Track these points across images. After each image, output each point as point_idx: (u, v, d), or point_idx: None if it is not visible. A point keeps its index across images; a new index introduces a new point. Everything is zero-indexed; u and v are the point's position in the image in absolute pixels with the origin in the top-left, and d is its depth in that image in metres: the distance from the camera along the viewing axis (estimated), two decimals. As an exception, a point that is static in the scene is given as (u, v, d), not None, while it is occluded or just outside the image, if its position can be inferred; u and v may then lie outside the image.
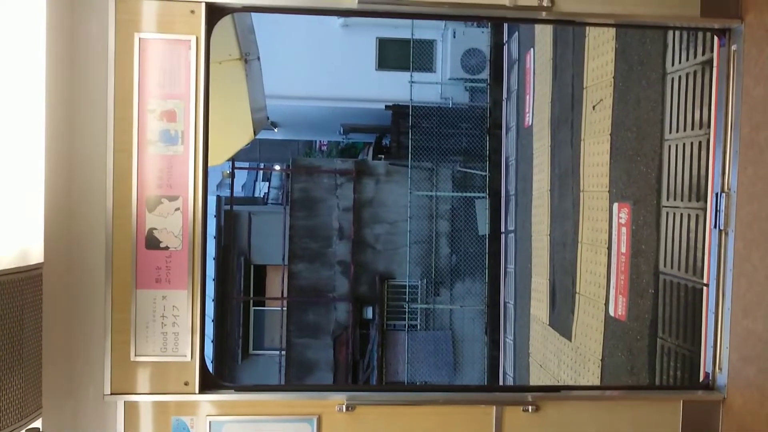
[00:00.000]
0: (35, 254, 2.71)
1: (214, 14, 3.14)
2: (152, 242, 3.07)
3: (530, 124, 10.66)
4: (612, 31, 6.82)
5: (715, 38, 3.51)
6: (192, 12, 3.07)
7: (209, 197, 14.19)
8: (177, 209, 3.07)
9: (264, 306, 15.33)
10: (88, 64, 3.00)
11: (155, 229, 3.07)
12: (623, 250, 6.42)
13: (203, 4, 3.07)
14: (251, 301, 15.15)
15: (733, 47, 3.37)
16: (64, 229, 2.94)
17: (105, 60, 3.00)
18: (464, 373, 13.67)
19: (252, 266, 14.77)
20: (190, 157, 3.07)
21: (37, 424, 2.64)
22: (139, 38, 3.03)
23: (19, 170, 2.68)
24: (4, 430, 2.42)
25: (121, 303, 3.04)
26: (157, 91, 3.05)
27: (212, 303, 13.84)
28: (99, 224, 3.01)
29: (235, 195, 15.25)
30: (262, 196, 19.39)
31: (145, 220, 3.05)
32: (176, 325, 3.08)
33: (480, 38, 14.07)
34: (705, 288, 3.62)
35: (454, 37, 14.25)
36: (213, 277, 13.83)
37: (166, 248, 3.07)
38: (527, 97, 10.96)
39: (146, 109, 3.04)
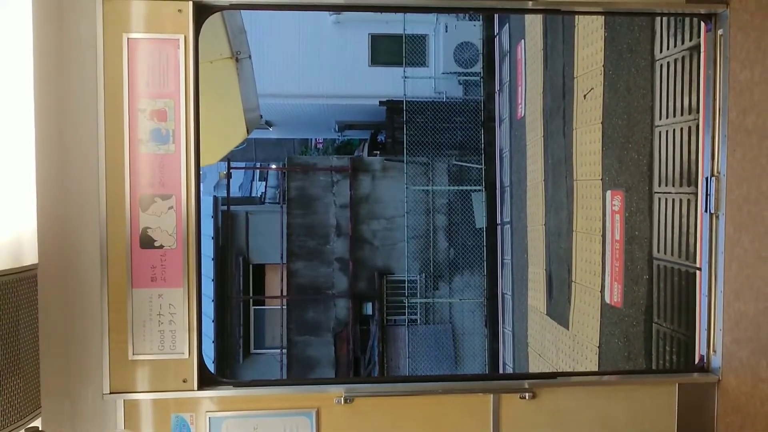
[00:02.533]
0: (29, 255, 2.73)
1: (202, 13, 3.16)
2: (146, 241, 3.08)
3: (523, 115, 10.68)
4: (601, 19, 6.84)
5: (702, 24, 3.53)
6: (179, 11, 3.08)
7: (206, 198, 14.27)
8: (170, 208, 3.09)
9: (264, 305, 15.35)
10: (76, 65, 3.01)
11: (149, 228, 3.08)
12: (617, 237, 6.45)
13: (190, 3, 3.09)
14: (251, 301, 15.17)
15: (720, 32, 3.39)
16: (58, 230, 2.95)
17: (94, 61, 3.01)
18: (465, 366, 13.71)
19: (251, 266, 14.78)
20: (181, 156, 3.09)
21: (37, 423, 2.66)
22: (128, 38, 3.04)
23: (10, 172, 2.70)
24: (4, 430, 2.44)
25: (118, 302, 3.06)
26: (147, 90, 3.06)
27: (212, 303, 13.86)
28: (93, 224, 3.03)
29: (232, 195, 15.24)
30: (259, 195, 19.40)
31: (139, 220, 3.07)
32: (173, 323, 3.10)
33: (472, 31, 14.07)
34: (698, 272, 3.65)
35: (446, 31, 14.25)
36: (212, 277, 13.84)
37: (161, 247, 3.09)
38: (519, 88, 10.97)
39: (136, 109, 3.06)
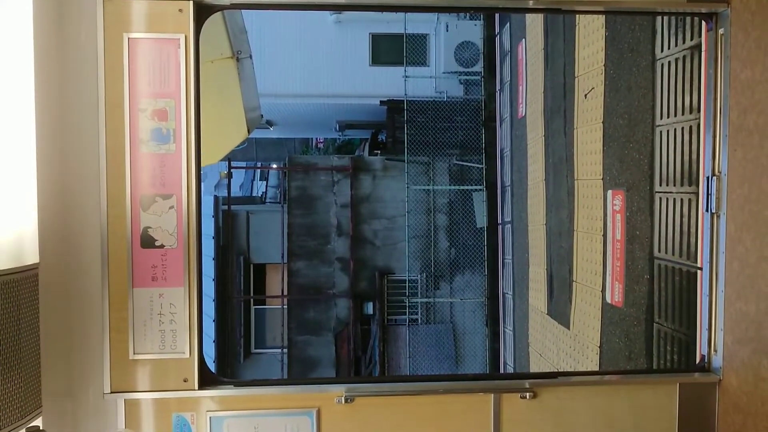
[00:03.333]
0: (30, 255, 2.73)
1: (203, 12, 3.16)
2: (147, 241, 3.09)
3: (524, 114, 10.68)
4: (602, 18, 6.84)
5: (703, 23, 3.53)
6: (180, 11, 3.08)
7: (207, 197, 14.27)
8: (171, 207, 3.09)
9: (264, 305, 15.36)
10: (77, 64, 3.01)
11: (150, 227, 3.08)
12: (618, 236, 6.45)
13: (191, 3, 3.09)
14: (251, 300, 15.17)
15: (720, 31, 3.39)
16: (59, 230, 2.96)
17: (94, 60, 3.01)
18: (466, 366, 13.71)
19: (251, 265, 14.79)
20: (182, 155, 3.09)
21: (38, 422, 2.67)
22: (128, 38, 3.04)
23: (11, 172, 2.70)
24: (5, 429, 2.45)
25: (118, 302, 3.06)
26: (148, 90, 3.06)
27: (213, 303, 13.86)
28: (94, 224, 3.03)
29: (232, 195, 15.25)
30: (259, 195, 19.39)
31: (140, 219, 3.07)
32: (174, 323, 3.10)
33: (473, 31, 14.08)
34: (699, 272, 3.65)
35: (447, 30, 14.26)
36: (213, 277, 13.85)
37: (162, 246, 3.09)
38: (520, 87, 10.97)
39: (137, 109, 3.06)
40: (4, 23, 2.67)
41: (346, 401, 3.20)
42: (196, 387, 3.12)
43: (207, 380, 3.17)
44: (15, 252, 2.63)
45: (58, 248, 2.94)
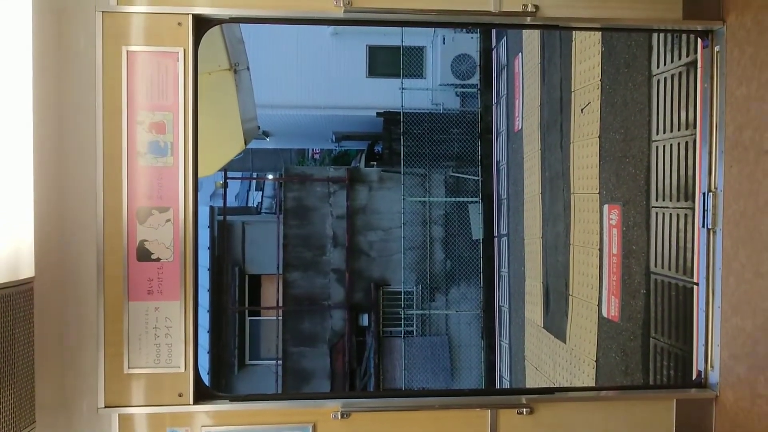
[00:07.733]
0: (26, 268, 2.71)
1: (201, 26, 3.17)
2: (143, 254, 3.07)
3: (520, 128, 10.72)
4: (598, 34, 6.89)
5: (699, 40, 3.56)
6: (179, 24, 3.09)
7: (202, 208, 14.24)
8: (168, 220, 3.08)
9: (259, 316, 15.30)
10: (76, 77, 3.01)
11: (146, 240, 3.07)
12: (614, 251, 6.46)
13: (190, 16, 3.10)
14: (246, 311, 15.11)
15: (716, 48, 3.42)
16: (54, 243, 2.94)
17: (93, 73, 3.01)
18: (461, 378, 13.67)
19: (246, 276, 14.74)
20: (179, 168, 3.08)
21: (31, 438, 2.64)
22: (127, 51, 3.05)
23: (7, 185, 2.69)
24: (-2, 445, 2.42)
25: (114, 315, 3.04)
26: (146, 103, 3.06)
27: (207, 314, 13.80)
28: (90, 237, 3.02)
29: (228, 205, 15.23)
30: (255, 205, 19.38)
31: (136, 232, 3.06)
32: (169, 337, 3.08)
33: (470, 44, 14.15)
34: (695, 287, 3.65)
35: (444, 43, 14.32)
36: (208, 287, 13.80)
37: (158, 260, 3.08)
38: (516, 101, 11.02)
39: (135, 121, 3.06)
40: (4, 36, 2.67)
41: (342, 416, 3.19)
42: (191, 402, 3.10)
43: (202, 395, 3.15)
44: (10, 265, 2.61)
45: (53, 261, 2.92)
